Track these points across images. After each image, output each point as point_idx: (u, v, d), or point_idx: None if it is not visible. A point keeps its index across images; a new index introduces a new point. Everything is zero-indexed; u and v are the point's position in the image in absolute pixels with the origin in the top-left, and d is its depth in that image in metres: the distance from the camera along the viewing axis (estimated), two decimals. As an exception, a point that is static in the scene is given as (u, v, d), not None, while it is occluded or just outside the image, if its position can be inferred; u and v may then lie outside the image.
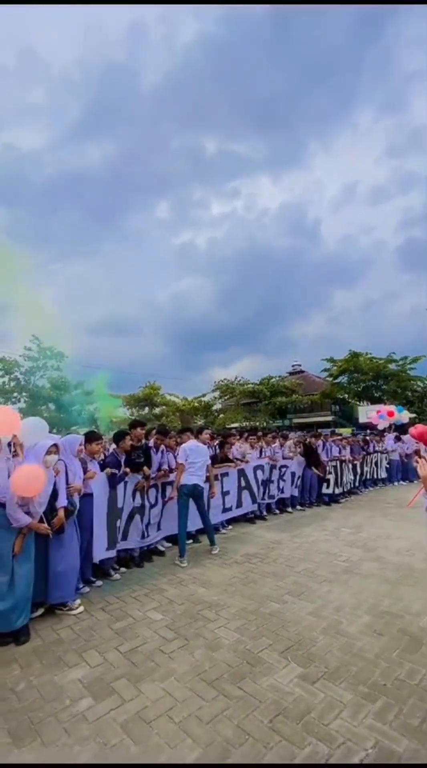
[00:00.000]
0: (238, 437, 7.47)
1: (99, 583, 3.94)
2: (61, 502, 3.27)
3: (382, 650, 2.63)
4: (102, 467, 4.22)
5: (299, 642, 2.75)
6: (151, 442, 5.17)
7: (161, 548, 5.10)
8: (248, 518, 6.74)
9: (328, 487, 8.29)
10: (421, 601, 3.39)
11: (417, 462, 1.14)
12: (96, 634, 2.93)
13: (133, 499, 4.62)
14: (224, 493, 6.18)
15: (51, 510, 3.17)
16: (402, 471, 11.70)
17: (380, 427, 12.80)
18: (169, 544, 5.19)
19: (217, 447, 6.56)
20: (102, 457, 4.55)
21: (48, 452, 3.13)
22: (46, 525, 3.04)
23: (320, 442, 8.60)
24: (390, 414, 12.73)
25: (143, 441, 4.91)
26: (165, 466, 5.38)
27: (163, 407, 28.79)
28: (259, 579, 4.02)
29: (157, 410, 29.08)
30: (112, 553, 4.21)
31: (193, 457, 4.93)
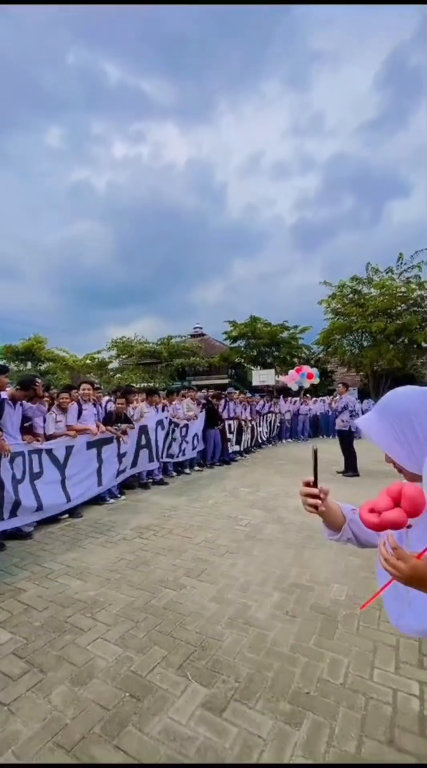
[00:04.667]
0: (138, 395, 6.53)
1: None
2: None
3: (297, 640, 2.19)
4: None
5: (201, 645, 2.14)
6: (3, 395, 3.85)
7: (27, 529, 3.98)
8: (141, 483, 6.00)
9: (232, 445, 8.12)
10: (326, 566, 3.16)
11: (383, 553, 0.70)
12: None
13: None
14: (120, 456, 5.27)
15: None
16: (289, 430, 12.44)
17: (295, 387, 13.26)
18: (34, 525, 4.09)
19: (101, 405, 5.50)
20: None
21: None
22: None
23: (222, 402, 8.24)
24: (310, 376, 13.25)
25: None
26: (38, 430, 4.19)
27: (50, 363, 25.46)
28: (151, 558, 3.32)
29: (42, 366, 25.60)
30: None
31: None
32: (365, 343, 23.45)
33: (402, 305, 21.58)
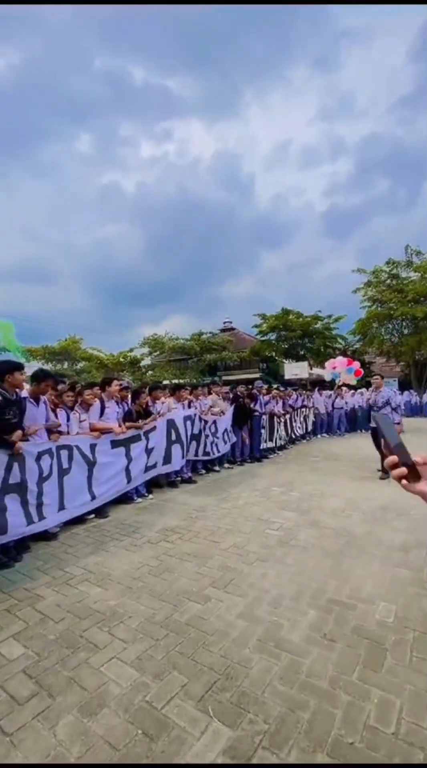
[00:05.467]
0: (165, 391, 6.39)
1: None
2: None
3: (338, 671, 1.88)
4: None
5: (225, 673, 1.89)
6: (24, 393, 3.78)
7: (53, 530, 3.92)
8: (170, 482, 5.84)
9: (265, 441, 7.80)
10: (370, 579, 2.80)
11: None
12: None
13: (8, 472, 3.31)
14: (148, 451, 5.14)
15: None
16: (325, 425, 11.87)
17: (330, 377, 12.86)
18: (60, 526, 4.02)
19: (127, 402, 5.36)
20: None
21: None
22: None
23: (254, 395, 7.94)
24: (358, 373, 12.80)
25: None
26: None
27: (85, 362, 26.20)
28: (176, 565, 3.12)
29: (78, 365, 26.40)
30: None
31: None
32: (406, 331, 22.06)
33: (447, 288, 20.03)
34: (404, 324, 22.08)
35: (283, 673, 1.88)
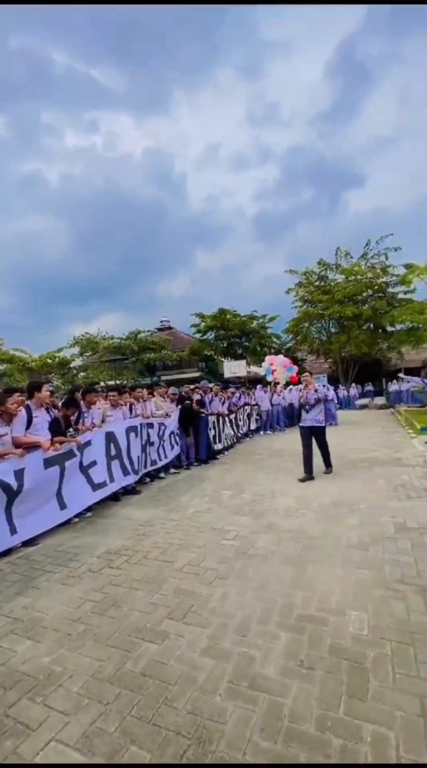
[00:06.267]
0: (100, 394, 5.79)
1: None
2: None
3: (323, 707, 1.66)
4: None
5: (196, 737, 1.56)
6: None
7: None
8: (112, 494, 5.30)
9: (213, 442, 7.53)
10: (334, 584, 2.67)
11: None
12: None
13: None
14: (86, 467, 4.56)
15: None
16: (267, 422, 12.06)
17: (276, 380, 13.00)
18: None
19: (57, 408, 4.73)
20: None
21: None
22: None
23: (199, 395, 7.65)
24: (293, 380, 12.98)
25: None
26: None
27: (6, 365, 23.65)
28: (124, 596, 2.69)
29: (-1, 368, 23.74)
30: None
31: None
32: (333, 330, 23.61)
33: (368, 291, 21.84)
34: (331, 323, 23.61)
35: (263, 723, 1.60)
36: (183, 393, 7.32)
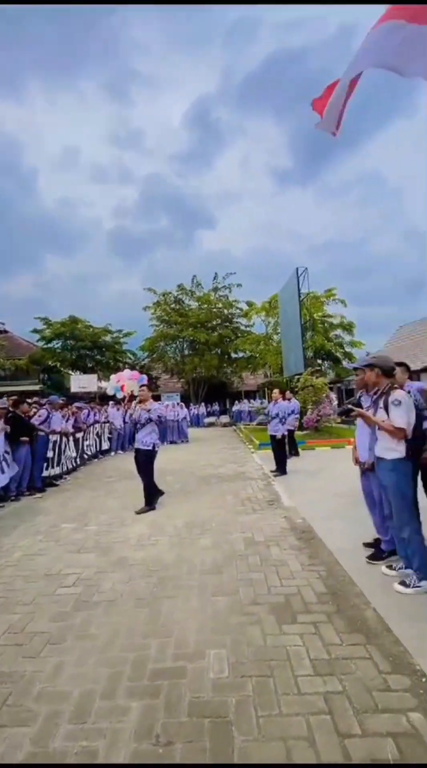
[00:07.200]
0: None
1: None
2: None
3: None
4: None
5: None
6: None
7: None
8: None
9: (48, 467, 6.40)
10: (191, 619, 2.42)
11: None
12: None
13: None
14: None
15: None
16: (119, 441, 11.38)
17: (112, 391, 12.08)
18: None
19: None
20: None
21: None
22: None
23: (37, 410, 6.50)
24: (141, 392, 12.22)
25: None
26: None
27: None
28: None
29: None
30: None
31: None
32: (187, 352, 24.82)
33: (217, 320, 24.00)
34: (185, 345, 24.80)
35: None
36: (9, 407, 6.04)
